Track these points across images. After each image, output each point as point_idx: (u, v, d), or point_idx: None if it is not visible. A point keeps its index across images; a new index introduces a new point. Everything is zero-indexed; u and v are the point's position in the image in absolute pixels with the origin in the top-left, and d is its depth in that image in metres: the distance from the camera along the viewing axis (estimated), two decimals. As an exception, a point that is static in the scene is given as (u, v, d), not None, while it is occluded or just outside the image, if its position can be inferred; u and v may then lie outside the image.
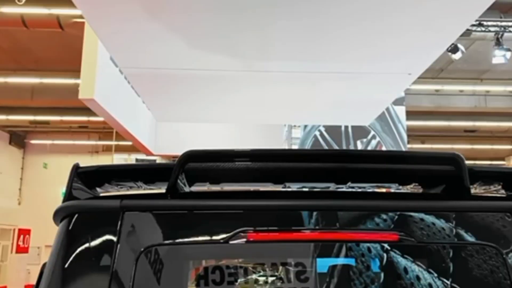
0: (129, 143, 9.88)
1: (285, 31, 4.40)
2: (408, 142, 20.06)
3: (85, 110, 6.32)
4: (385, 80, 5.36)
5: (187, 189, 1.75)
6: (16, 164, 19.43)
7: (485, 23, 10.66)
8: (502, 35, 10.86)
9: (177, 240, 1.50)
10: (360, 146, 9.19)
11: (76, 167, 1.58)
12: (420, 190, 1.91)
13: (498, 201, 1.61)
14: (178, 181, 1.65)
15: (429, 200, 1.63)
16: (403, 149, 9.35)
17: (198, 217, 1.52)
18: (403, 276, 1.51)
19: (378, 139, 9.28)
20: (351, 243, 1.55)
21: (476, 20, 10.76)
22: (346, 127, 9.12)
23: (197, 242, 1.51)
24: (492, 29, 10.72)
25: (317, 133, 9.14)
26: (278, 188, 1.92)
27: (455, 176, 1.61)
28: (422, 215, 1.55)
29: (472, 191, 1.91)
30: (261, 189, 1.91)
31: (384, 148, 9.20)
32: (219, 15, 4.13)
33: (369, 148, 9.17)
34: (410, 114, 15.72)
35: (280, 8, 4.02)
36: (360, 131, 9.17)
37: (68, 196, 1.58)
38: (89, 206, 1.55)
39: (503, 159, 20.81)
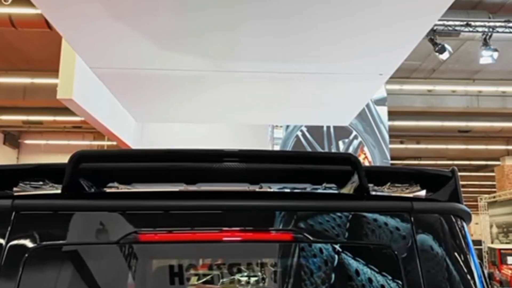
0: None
1: (254, 31, 4.39)
2: (403, 142, 20.12)
3: (77, 110, 6.39)
4: (357, 80, 5.34)
5: (93, 189, 1.75)
6: (11, 164, 19.48)
7: (472, 23, 10.64)
8: (490, 35, 10.84)
9: (67, 241, 1.49)
10: (342, 146, 9.17)
11: (-30, 167, 1.58)
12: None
13: (394, 201, 1.60)
14: (81, 181, 1.66)
15: (325, 200, 1.63)
16: (385, 149, 9.33)
17: (91, 217, 1.52)
18: (295, 274, 1.52)
19: (360, 139, 9.25)
20: (244, 243, 1.55)
21: (464, 21, 10.76)
22: (328, 127, 9.09)
23: (88, 243, 1.50)
24: (479, 29, 10.69)
25: (299, 133, 9.12)
26: (192, 188, 1.92)
27: (353, 176, 1.61)
28: (318, 215, 1.54)
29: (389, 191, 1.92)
30: (173, 190, 1.91)
31: (366, 148, 9.18)
32: (186, 15, 4.13)
33: (350, 148, 9.16)
34: (404, 114, 15.76)
35: (249, 8, 4.01)
36: (342, 131, 9.14)
37: None
38: None
39: (497, 159, 20.76)
